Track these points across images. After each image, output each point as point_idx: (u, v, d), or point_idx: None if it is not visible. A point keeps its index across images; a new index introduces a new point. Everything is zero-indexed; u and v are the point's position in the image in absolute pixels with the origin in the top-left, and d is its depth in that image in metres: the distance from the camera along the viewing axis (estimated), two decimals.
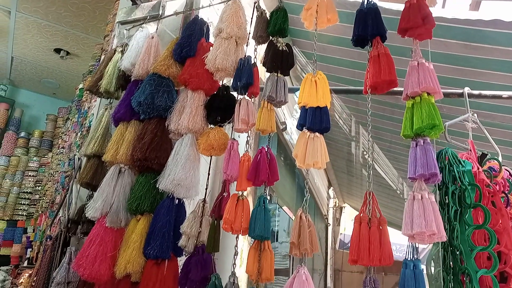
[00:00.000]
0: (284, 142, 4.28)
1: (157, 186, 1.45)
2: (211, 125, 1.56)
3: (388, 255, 1.13)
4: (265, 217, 1.32)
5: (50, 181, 4.11)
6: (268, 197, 1.39)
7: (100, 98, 2.05)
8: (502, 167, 1.74)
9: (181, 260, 1.43)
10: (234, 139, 1.47)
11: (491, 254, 1.42)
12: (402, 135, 1.25)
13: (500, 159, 1.76)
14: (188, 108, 1.54)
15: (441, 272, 1.46)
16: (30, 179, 4.99)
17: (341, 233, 9.38)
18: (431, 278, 1.53)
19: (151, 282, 1.35)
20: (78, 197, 1.79)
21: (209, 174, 1.51)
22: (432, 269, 1.51)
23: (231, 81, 1.57)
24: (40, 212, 4.02)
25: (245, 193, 1.42)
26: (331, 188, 8.95)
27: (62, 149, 3.95)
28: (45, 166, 4.92)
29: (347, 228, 9.17)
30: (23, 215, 4.81)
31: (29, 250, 3.96)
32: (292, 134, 4.18)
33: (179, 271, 1.39)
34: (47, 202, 3.86)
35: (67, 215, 1.71)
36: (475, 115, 1.84)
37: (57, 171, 3.78)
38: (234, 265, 1.34)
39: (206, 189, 1.49)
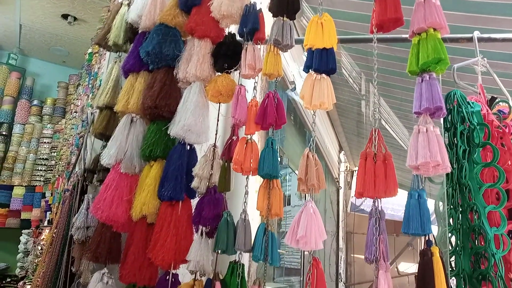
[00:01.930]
0: (294, 103, 4.28)
1: (168, 133, 1.48)
2: (218, 73, 1.57)
3: (393, 186, 1.17)
4: (273, 157, 1.36)
5: (65, 145, 4.20)
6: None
7: (109, 54, 2.07)
8: None
9: (194, 202, 1.48)
10: (242, 85, 1.49)
11: (499, 190, 1.45)
12: (408, 71, 1.26)
13: (510, 103, 1.75)
14: (195, 56, 1.55)
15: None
16: (45, 146, 5.10)
17: (352, 196, 9.47)
18: (439, 216, 1.57)
19: (166, 222, 1.41)
20: (93, 149, 1.85)
21: (218, 120, 1.54)
22: (441, 207, 1.55)
23: (237, 28, 1.57)
24: (57, 176, 4.13)
25: (254, 137, 1.45)
26: (342, 152, 8.97)
27: (74, 113, 4.01)
28: (59, 132, 5.01)
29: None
30: (40, 180, 4.96)
31: (48, 213, 4.09)
32: None
33: (193, 211, 1.44)
34: (63, 166, 3.96)
35: (83, 164, 1.77)
36: (485, 59, 1.82)
37: (71, 135, 3.86)
38: (245, 204, 1.39)
39: (216, 134, 1.52)
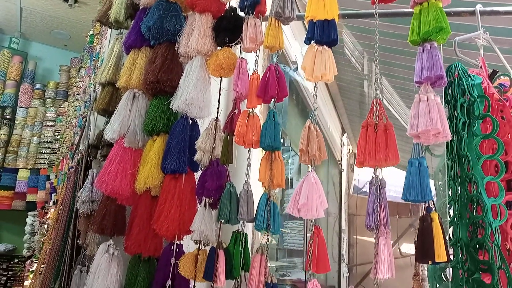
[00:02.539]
0: (296, 84, 4.27)
1: (170, 107, 1.49)
2: (220, 47, 1.58)
3: (394, 155, 1.18)
4: (275, 129, 1.37)
5: (68, 128, 4.23)
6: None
7: (110, 32, 2.07)
8: None
9: (197, 176, 1.50)
10: (243, 58, 1.50)
11: (498, 162, 1.46)
12: (409, 41, 1.26)
13: None
14: (196, 31, 1.56)
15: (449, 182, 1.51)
16: (49, 129, 5.13)
17: (354, 179, 9.51)
18: (438, 190, 1.58)
19: (170, 195, 1.43)
20: (96, 125, 1.86)
21: (220, 94, 1.55)
22: (440, 179, 1.56)
23: (238, 2, 1.57)
24: (61, 158, 4.16)
25: (256, 111, 1.46)
26: (345, 134, 8.97)
27: (77, 95, 4.02)
28: (62, 115, 5.03)
29: (360, 173, 9.27)
30: (45, 163, 5.00)
31: (53, 194, 4.14)
32: (304, 75, 4.16)
33: (196, 184, 1.47)
34: (66, 148, 3.99)
35: (87, 140, 1.79)
36: (487, 32, 1.81)
37: (74, 117, 3.88)
38: (247, 175, 1.41)
39: (218, 108, 1.53)
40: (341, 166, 9.00)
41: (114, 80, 1.73)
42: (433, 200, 1.11)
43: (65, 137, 4.34)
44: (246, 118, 1.42)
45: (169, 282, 1.34)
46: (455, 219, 1.46)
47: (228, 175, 1.43)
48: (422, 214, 1.11)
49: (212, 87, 1.55)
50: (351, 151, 9.64)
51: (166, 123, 1.53)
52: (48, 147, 5.08)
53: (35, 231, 4.36)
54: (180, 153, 1.44)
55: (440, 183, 1.55)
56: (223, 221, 1.35)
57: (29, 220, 4.66)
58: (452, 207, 1.50)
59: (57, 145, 4.88)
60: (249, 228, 1.49)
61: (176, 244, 1.41)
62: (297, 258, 5.67)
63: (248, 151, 1.46)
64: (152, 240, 1.43)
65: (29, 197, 4.92)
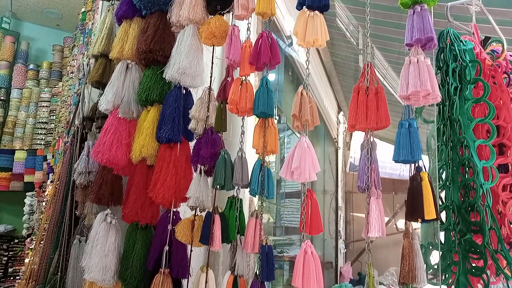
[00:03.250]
0: (291, 60, 4.26)
1: (163, 77, 1.50)
2: (211, 15, 1.57)
3: (384, 117, 1.20)
4: (268, 96, 1.38)
5: (63, 107, 4.22)
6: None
7: (101, 5, 2.06)
8: (505, 49, 1.74)
9: (192, 145, 1.52)
10: (235, 25, 1.50)
11: (489, 125, 1.48)
12: (399, 3, 1.26)
13: (505, 46, 1.76)
14: (188, 0, 1.55)
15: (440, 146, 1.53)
16: (44, 110, 5.12)
17: (351, 157, 9.57)
18: (431, 153, 1.61)
19: (165, 163, 1.44)
20: (90, 98, 1.87)
21: (212, 63, 1.55)
22: (432, 144, 1.58)
23: None
24: (57, 138, 4.16)
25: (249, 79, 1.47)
26: (341, 113, 8.98)
27: (71, 74, 4.00)
28: (57, 96, 5.01)
29: (357, 151, 9.33)
30: (41, 144, 5.00)
31: (50, 174, 4.15)
32: (299, 51, 4.14)
33: (191, 152, 1.48)
34: (62, 127, 3.99)
35: (82, 113, 1.79)
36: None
37: (69, 96, 3.86)
38: (242, 143, 1.43)
39: (211, 77, 1.54)
40: (338, 144, 9.03)
41: (107, 51, 1.73)
42: (422, 160, 1.13)
43: (61, 117, 4.33)
44: (239, 85, 1.42)
45: (166, 247, 1.37)
46: (447, 183, 1.49)
47: (222, 143, 1.44)
48: (412, 173, 1.13)
49: (204, 56, 1.55)
50: (347, 129, 9.67)
51: (160, 93, 1.53)
52: (44, 128, 5.07)
53: (33, 211, 4.39)
54: (174, 122, 1.45)
55: (432, 147, 1.57)
56: (218, 187, 1.38)
57: (27, 200, 4.69)
58: (444, 172, 1.53)
59: (52, 125, 4.87)
60: (245, 196, 1.51)
61: (173, 211, 1.43)
62: (295, 235, 5.75)
63: (242, 119, 1.47)
64: (149, 208, 1.45)
65: (27, 178, 4.93)
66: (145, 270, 1.40)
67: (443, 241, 1.48)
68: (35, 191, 4.57)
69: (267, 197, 1.34)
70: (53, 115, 4.97)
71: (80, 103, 1.94)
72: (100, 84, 1.74)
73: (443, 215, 1.51)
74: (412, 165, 1.15)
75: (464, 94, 1.50)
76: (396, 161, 1.16)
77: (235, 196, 1.40)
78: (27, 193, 4.75)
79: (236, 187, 1.38)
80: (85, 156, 1.66)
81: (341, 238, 8.63)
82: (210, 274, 1.30)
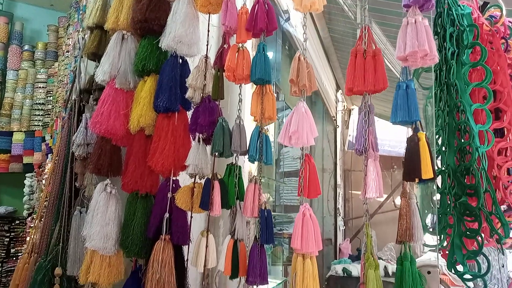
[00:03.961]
0: (288, 35, 4.22)
1: (160, 46, 1.49)
2: None
3: (382, 79, 1.20)
4: (265, 62, 1.38)
5: (60, 87, 4.19)
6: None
7: None
8: (504, 14, 1.72)
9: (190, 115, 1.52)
10: None
11: (486, 89, 1.48)
12: None
13: (504, 11, 1.74)
14: None
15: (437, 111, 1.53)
16: (40, 91, 5.07)
17: (349, 135, 9.58)
18: (427, 119, 1.61)
19: (163, 132, 1.45)
20: (87, 72, 1.85)
21: (208, 31, 1.54)
22: (429, 110, 1.59)
23: None
24: (55, 118, 4.14)
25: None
26: (339, 91, 8.95)
27: (67, 53, 3.96)
28: (53, 76, 4.96)
29: (355, 129, 9.33)
30: (39, 125, 4.98)
31: (49, 155, 4.15)
32: (296, 26, 4.10)
33: (189, 121, 1.48)
34: (59, 107, 3.97)
35: (79, 86, 1.78)
36: None
37: (65, 75, 3.83)
38: (239, 111, 1.43)
39: (207, 45, 1.53)
40: (336, 123, 9.04)
41: (102, 23, 1.71)
42: (420, 121, 1.14)
43: (58, 98, 4.30)
44: (235, 52, 1.42)
45: (166, 215, 1.38)
46: (443, 148, 1.50)
47: (220, 111, 1.44)
48: (410, 134, 1.14)
49: (200, 24, 1.54)
50: (346, 107, 9.66)
51: (156, 62, 1.52)
52: (41, 109, 5.03)
53: (33, 191, 4.40)
54: (171, 91, 1.45)
55: (429, 113, 1.57)
56: (217, 154, 1.38)
57: (27, 181, 4.69)
58: (440, 137, 1.53)
59: (50, 106, 4.83)
60: (244, 165, 1.52)
61: (172, 180, 1.44)
62: (294, 213, 5.79)
63: (239, 86, 1.47)
64: (148, 177, 1.46)
65: (26, 159, 4.92)
66: (146, 238, 1.41)
67: (438, 205, 1.50)
68: (35, 171, 4.57)
69: (265, 163, 1.35)
70: (50, 96, 4.93)
71: (76, 77, 1.92)
72: (96, 56, 1.73)
73: (438, 179, 1.52)
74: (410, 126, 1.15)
75: (461, 59, 1.50)
76: (394, 123, 1.17)
77: (234, 163, 1.41)
78: (26, 174, 4.75)
79: (235, 154, 1.39)
80: (83, 128, 1.66)
81: (340, 215, 8.72)
82: (210, 239, 1.32)
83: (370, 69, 1.20)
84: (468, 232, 1.42)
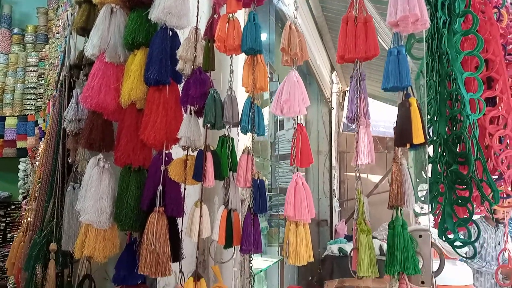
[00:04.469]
0: (282, 14, 4.18)
1: (149, 18, 1.46)
2: None
3: (373, 46, 1.19)
4: (256, 31, 1.36)
5: (51, 70, 4.14)
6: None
7: None
8: None
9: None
10: None
11: (477, 57, 1.48)
12: None
13: None
14: None
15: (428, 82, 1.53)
16: (32, 74, 5.02)
17: (344, 117, 9.58)
18: (419, 89, 1.61)
19: (154, 105, 1.44)
20: (76, 47, 1.83)
21: (198, 1, 1.52)
22: (421, 80, 1.58)
23: None
24: (47, 102, 4.11)
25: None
26: (334, 73, 8.92)
27: (57, 34, 3.91)
28: (44, 59, 4.91)
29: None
30: (31, 109, 4.94)
31: (43, 139, 4.13)
32: (289, 5, 4.06)
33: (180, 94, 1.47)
34: (51, 89, 3.93)
35: (68, 61, 1.76)
36: None
37: (56, 57, 3.79)
38: (231, 82, 1.42)
39: (197, 16, 1.51)
40: (331, 105, 9.04)
41: None
42: (411, 86, 1.13)
43: (49, 80, 4.26)
44: (226, 22, 1.40)
45: (160, 187, 1.38)
46: (435, 117, 1.50)
47: (211, 83, 1.43)
48: (401, 100, 1.14)
49: None
50: (340, 89, 9.64)
51: (146, 35, 1.50)
52: (33, 93, 4.99)
53: (28, 174, 4.39)
54: (161, 63, 1.43)
55: (421, 83, 1.57)
56: (209, 125, 1.38)
57: (21, 166, 4.67)
58: (432, 107, 1.53)
59: (42, 90, 4.79)
60: (238, 137, 1.52)
61: (165, 153, 1.44)
62: None
63: (231, 57, 1.46)
64: (141, 151, 1.46)
65: (19, 144, 4.89)
66: (139, 211, 1.41)
67: (430, 174, 1.51)
68: (28, 156, 4.55)
69: (257, 134, 1.35)
70: (41, 80, 4.88)
71: (66, 53, 1.90)
72: (85, 30, 1.70)
73: (430, 149, 1.53)
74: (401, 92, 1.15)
75: (453, 27, 1.49)
76: (385, 89, 1.16)
77: (226, 135, 1.41)
78: (20, 159, 4.73)
79: (227, 126, 1.39)
80: (74, 104, 1.64)
81: (335, 197, 8.79)
82: (204, 209, 1.32)
83: (361, 35, 1.19)
84: (459, 200, 1.44)
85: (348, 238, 6.67)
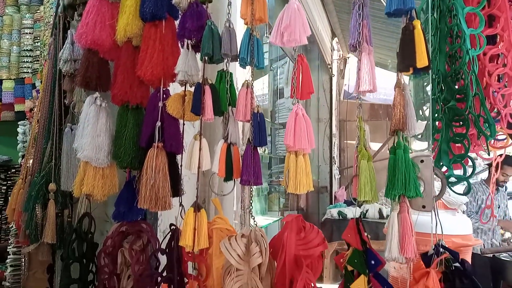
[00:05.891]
0: None
1: None
2: None
3: None
4: None
5: (47, 30, 4.06)
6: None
7: None
8: None
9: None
10: None
11: None
12: None
13: None
14: None
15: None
16: (27, 37, 4.93)
17: (345, 84, 9.50)
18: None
19: (151, 41, 1.40)
20: None
21: None
22: (421, 18, 1.54)
23: None
24: (43, 62, 4.05)
25: None
26: (335, 39, 8.79)
27: None
28: (39, 21, 4.81)
29: (351, 79, 9.23)
30: (28, 72, 4.88)
31: None
32: None
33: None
34: (47, 51, 3.86)
35: (62, 2, 1.71)
36: None
37: (51, 15, 3.70)
38: (229, 14, 1.38)
39: None
40: (332, 72, 8.95)
41: None
42: (415, 9, 1.10)
43: (45, 42, 4.18)
44: None
45: (158, 123, 1.36)
46: (434, 53, 1.46)
47: (208, 15, 1.39)
48: (405, 23, 1.10)
49: None
50: (341, 56, 9.52)
51: None
52: (30, 56, 4.92)
53: (27, 135, 4.38)
54: None
55: (422, 20, 1.52)
56: (207, 59, 1.34)
57: (20, 129, 4.65)
58: (432, 44, 1.49)
59: (38, 52, 4.72)
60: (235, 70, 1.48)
61: (163, 90, 1.41)
62: None
63: None
64: (138, 88, 1.43)
65: (17, 107, 4.86)
66: (138, 149, 1.40)
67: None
68: (27, 118, 4.53)
69: (257, 67, 1.31)
70: (37, 42, 4.79)
71: None
72: None
73: (428, 87, 1.50)
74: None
75: None
76: (389, 14, 1.12)
77: (224, 69, 1.37)
78: (19, 122, 4.71)
79: (225, 60, 1.35)
80: (69, 44, 1.61)
81: (335, 164, 8.82)
82: (203, 142, 1.31)
83: None
84: (456, 138, 1.41)
85: (348, 202, 6.72)
